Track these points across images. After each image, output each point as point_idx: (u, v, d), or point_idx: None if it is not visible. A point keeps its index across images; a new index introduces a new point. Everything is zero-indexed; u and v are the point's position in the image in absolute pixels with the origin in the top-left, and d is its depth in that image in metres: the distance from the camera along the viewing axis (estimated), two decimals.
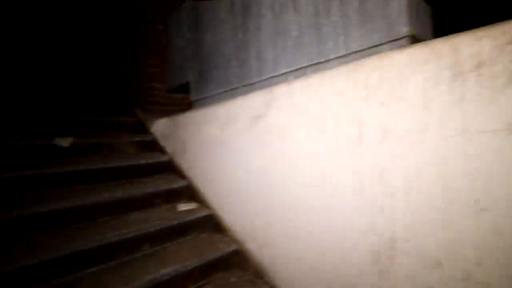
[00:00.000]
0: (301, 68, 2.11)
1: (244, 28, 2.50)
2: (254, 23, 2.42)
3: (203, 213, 2.44)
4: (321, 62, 1.99)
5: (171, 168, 2.84)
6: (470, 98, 1.27)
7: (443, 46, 1.33)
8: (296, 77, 2.14)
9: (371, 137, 1.58)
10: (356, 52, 1.76)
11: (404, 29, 1.54)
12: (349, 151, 1.66)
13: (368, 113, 1.58)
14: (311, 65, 2.05)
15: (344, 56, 1.81)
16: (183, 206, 2.52)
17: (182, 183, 2.66)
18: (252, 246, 2.20)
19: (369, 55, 1.71)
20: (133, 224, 2.13)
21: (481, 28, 1.24)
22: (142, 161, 2.64)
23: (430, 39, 1.59)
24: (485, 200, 1.25)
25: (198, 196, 2.62)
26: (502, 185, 1.21)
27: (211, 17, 2.81)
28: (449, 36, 1.33)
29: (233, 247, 2.21)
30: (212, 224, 2.45)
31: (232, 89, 2.66)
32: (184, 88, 3.15)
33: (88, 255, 1.83)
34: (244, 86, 2.52)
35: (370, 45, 1.67)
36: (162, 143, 3.00)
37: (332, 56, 1.87)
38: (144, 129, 3.13)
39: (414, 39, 1.59)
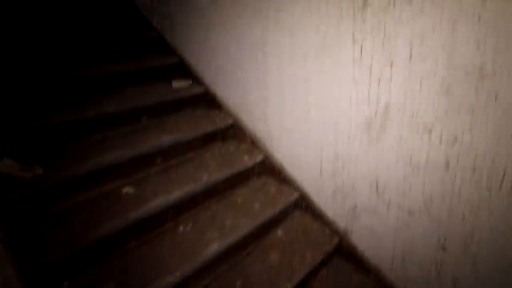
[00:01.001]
0: None
1: None
2: None
3: (198, 89, 2.45)
4: None
5: (161, 45, 2.66)
6: None
7: None
8: None
9: (376, 0, 1.48)
10: None
11: None
12: (350, 16, 1.58)
13: None
14: None
15: None
16: (177, 83, 2.51)
17: (174, 60, 2.58)
18: (247, 119, 2.31)
19: None
20: (129, 97, 2.15)
21: None
22: (130, 36, 2.52)
23: None
24: (489, 67, 1.27)
25: (191, 72, 2.57)
26: (509, 53, 1.22)
27: None
28: None
29: (228, 121, 2.32)
30: (207, 100, 2.49)
31: None
32: None
33: (87, 123, 1.91)
34: None
35: None
36: (149, 17, 2.75)
37: None
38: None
39: None
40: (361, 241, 1.95)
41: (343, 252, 2.04)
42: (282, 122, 2.08)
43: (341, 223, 2.00)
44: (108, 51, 2.39)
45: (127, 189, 1.84)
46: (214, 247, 1.66)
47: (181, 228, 1.78)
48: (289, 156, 2.15)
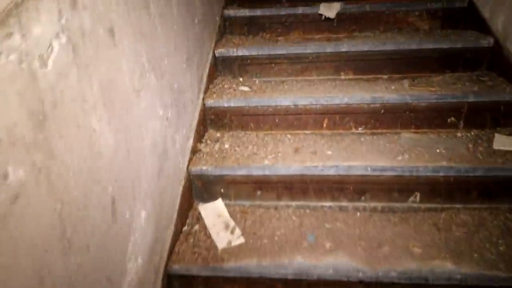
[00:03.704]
0: None
1: None
2: None
3: None
4: None
5: (497, 62, 1.46)
6: None
7: None
8: None
9: None
10: None
11: None
12: None
13: None
14: None
15: None
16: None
17: None
18: None
19: None
20: None
21: None
22: (438, 45, 1.51)
23: None
24: None
25: None
26: None
27: None
28: None
29: None
30: None
31: None
32: None
33: None
34: None
35: None
36: (485, 12, 1.55)
37: None
38: None
39: None
40: None
41: None
42: None
43: None
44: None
45: None
46: None
47: None
48: None
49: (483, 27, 1.61)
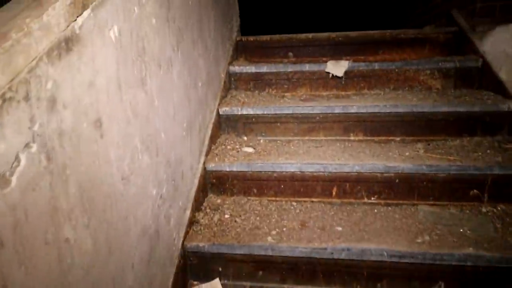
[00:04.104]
0: None
1: None
2: None
3: None
4: None
5: None
6: None
7: None
8: None
9: None
10: None
11: None
12: None
13: None
14: None
15: None
16: None
17: None
18: None
19: None
20: None
21: None
22: (454, 108, 1.44)
23: None
24: None
25: None
26: None
27: None
28: None
29: None
30: None
31: None
32: None
33: None
34: None
35: None
36: (502, 74, 1.51)
37: None
38: (465, 47, 1.75)
39: None
40: None
41: None
42: None
43: None
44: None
45: None
46: None
47: None
48: None
49: (500, 89, 1.54)
